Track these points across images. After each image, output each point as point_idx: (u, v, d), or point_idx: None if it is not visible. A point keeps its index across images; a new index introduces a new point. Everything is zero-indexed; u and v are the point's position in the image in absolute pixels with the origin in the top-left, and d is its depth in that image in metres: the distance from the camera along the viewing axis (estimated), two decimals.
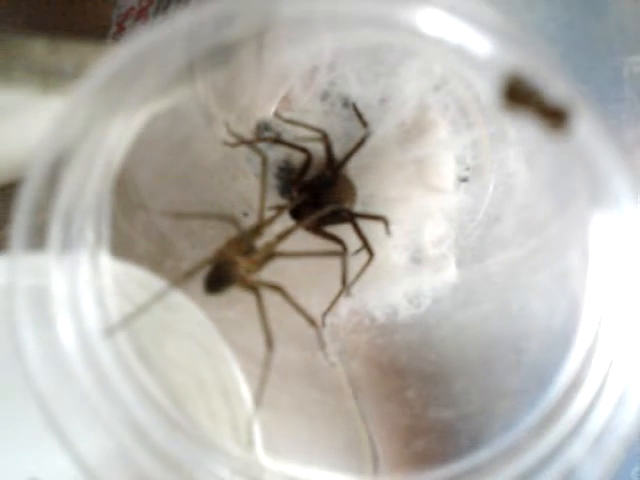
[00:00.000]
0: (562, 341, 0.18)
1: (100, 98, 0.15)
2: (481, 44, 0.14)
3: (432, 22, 0.16)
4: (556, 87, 0.13)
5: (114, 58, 0.15)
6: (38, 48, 0.15)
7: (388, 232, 0.26)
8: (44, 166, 0.15)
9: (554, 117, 0.13)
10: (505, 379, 0.21)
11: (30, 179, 0.15)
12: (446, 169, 0.27)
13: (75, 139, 0.15)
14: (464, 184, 0.27)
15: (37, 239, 0.16)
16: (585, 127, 0.14)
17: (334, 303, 0.26)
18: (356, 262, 0.26)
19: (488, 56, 0.14)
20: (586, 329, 0.18)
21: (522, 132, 0.24)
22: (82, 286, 0.18)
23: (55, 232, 0.17)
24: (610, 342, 0.17)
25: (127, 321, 0.19)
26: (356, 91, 0.26)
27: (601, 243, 0.18)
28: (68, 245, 0.17)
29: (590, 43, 0.31)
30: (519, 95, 0.13)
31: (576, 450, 0.16)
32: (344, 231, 0.26)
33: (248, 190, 0.26)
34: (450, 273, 0.27)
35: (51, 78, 0.15)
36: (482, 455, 0.18)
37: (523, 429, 0.18)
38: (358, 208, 0.27)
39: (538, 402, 0.18)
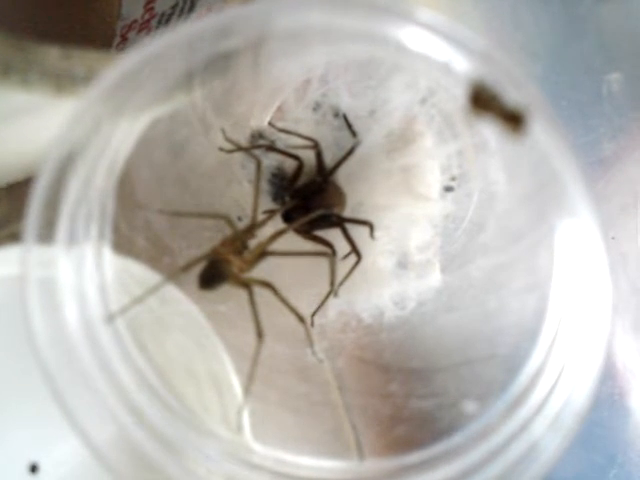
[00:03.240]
0: (530, 334, 0.19)
1: (107, 102, 0.16)
2: (456, 58, 0.16)
3: (416, 39, 0.17)
4: (514, 94, 0.14)
5: (120, 66, 0.16)
6: (52, 54, 0.16)
7: (372, 236, 0.27)
8: (55, 165, 0.16)
9: (513, 120, 0.14)
10: (481, 371, 0.22)
11: (42, 176, 0.16)
12: (431, 178, 0.28)
13: (83, 140, 0.17)
14: (450, 193, 0.28)
15: (47, 233, 0.17)
16: (544, 138, 0.15)
17: (323, 303, 0.26)
18: (344, 267, 0.27)
19: (463, 68, 0.16)
20: (550, 324, 0.19)
21: (501, 142, 0.25)
22: (86, 277, 0.19)
23: (63, 227, 0.18)
24: (568, 334, 0.19)
25: (126, 310, 0.20)
26: (346, 103, 0.27)
27: (564, 247, 0.19)
28: (74, 239, 0.19)
29: (571, 61, 0.32)
30: (482, 101, 0.14)
31: (538, 427, 0.17)
32: (334, 238, 0.27)
33: (241, 196, 0.27)
34: (434, 278, 0.28)
35: (64, 82, 0.16)
36: (457, 438, 0.19)
37: (494, 413, 0.19)
38: (347, 215, 0.27)
39: (508, 389, 0.19)
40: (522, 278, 0.23)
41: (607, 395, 0.30)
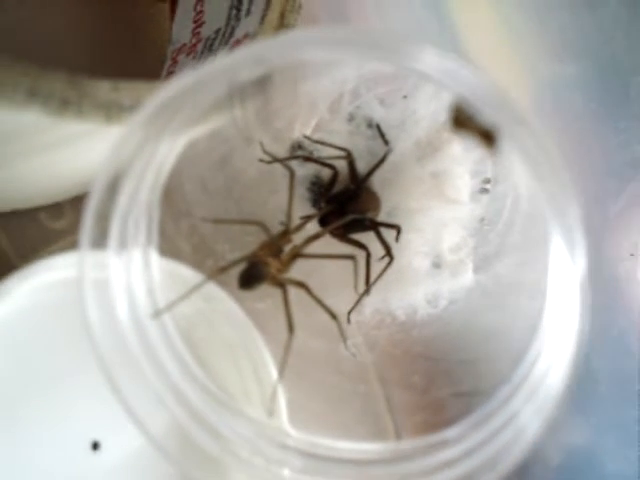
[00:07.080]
0: (533, 331, 0.21)
1: (148, 127, 0.19)
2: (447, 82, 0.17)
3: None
4: (488, 115, 0.16)
5: (159, 96, 0.18)
6: (103, 87, 0.18)
7: (397, 239, 0.28)
8: (104, 182, 0.19)
9: (487, 138, 0.16)
10: (494, 363, 0.24)
11: (94, 192, 0.19)
12: (460, 182, 0.29)
13: (129, 160, 0.19)
14: (485, 196, 0.29)
15: (100, 240, 0.20)
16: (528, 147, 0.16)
17: (358, 302, 0.28)
18: (381, 267, 0.29)
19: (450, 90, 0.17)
20: (547, 322, 0.21)
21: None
22: (135, 277, 0.22)
23: (113, 234, 0.20)
24: (556, 333, 0.20)
25: (172, 306, 0.23)
26: (379, 113, 0.29)
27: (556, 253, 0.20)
28: (124, 245, 0.21)
29: (599, 64, 0.32)
30: (461, 120, 0.16)
31: (526, 410, 0.19)
32: (371, 242, 0.28)
33: (285, 203, 0.30)
34: (467, 277, 0.29)
35: (113, 111, 0.18)
36: (465, 423, 0.21)
37: (496, 401, 0.21)
38: (383, 219, 0.29)
39: (510, 380, 0.21)
40: (539, 278, 0.24)
41: None
